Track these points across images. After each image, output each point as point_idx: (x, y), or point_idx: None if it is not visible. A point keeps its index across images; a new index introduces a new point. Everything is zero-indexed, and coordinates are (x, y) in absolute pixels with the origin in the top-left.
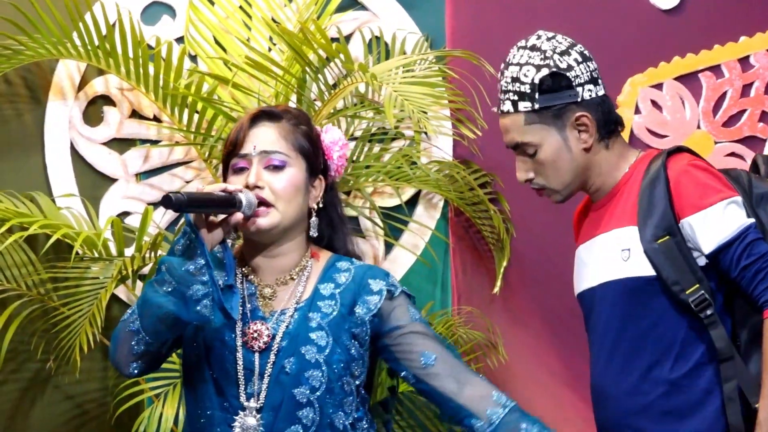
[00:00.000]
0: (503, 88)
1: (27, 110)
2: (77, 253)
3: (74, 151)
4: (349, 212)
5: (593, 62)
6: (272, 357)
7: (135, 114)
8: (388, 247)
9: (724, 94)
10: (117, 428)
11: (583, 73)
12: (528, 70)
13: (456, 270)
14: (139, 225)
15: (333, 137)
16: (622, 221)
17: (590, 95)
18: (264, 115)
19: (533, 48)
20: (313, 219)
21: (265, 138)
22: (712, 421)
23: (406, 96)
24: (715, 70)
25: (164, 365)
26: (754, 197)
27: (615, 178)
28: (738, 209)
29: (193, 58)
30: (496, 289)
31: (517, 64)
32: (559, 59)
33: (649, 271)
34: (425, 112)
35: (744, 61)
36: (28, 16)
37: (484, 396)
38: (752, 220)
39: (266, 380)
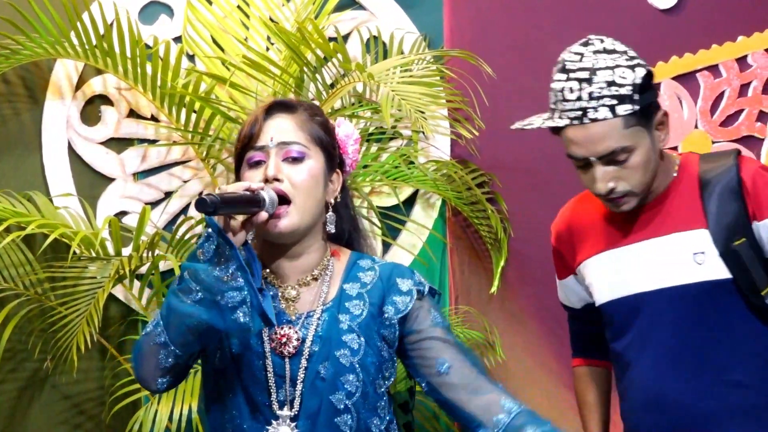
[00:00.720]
0: (594, 95)
1: (25, 110)
2: (74, 252)
3: (72, 151)
4: None
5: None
6: (304, 362)
7: (133, 113)
8: (386, 246)
9: (722, 93)
10: (113, 427)
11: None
12: (624, 72)
13: (453, 270)
14: (136, 224)
15: (347, 131)
16: (688, 224)
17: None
18: (279, 106)
19: (608, 51)
20: (330, 214)
21: (283, 128)
22: None
23: (404, 96)
24: (713, 69)
25: None
26: None
27: (666, 181)
28: None
29: (191, 58)
30: (494, 289)
31: (607, 68)
32: (638, 56)
33: (724, 274)
34: (423, 112)
35: (742, 61)
36: (26, 16)
37: (492, 403)
38: None
39: (299, 386)
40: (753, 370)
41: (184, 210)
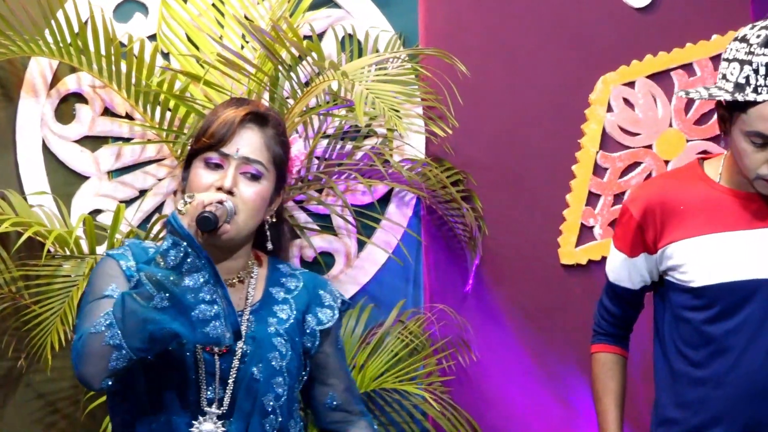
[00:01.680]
0: None
1: None
2: (49, 251)
3: (46, 149)
4: (322, 210)
5: None
6: (236, 362)
7: (107, 112)
8: (361, 245)
9: None
10: (88, 426)
11: None
12: None
13: (428, 268)
14: (111, 223)
15: (296, 150)
16: None
17: None
18: (254, 116)
19: None
20: (268, 232)
21: (250, 143)
22: None
23: (379, 94)
24: (687, 68)
25: None
26: None
27: None
28: None
29: (166, 56)
30: (469, 287)
31: None
32: None
33: None
34: (397, 110)
35: (716, 60)
36: None
37: None
38: None
39: (231, 386)
40: None
41: (159, 208)
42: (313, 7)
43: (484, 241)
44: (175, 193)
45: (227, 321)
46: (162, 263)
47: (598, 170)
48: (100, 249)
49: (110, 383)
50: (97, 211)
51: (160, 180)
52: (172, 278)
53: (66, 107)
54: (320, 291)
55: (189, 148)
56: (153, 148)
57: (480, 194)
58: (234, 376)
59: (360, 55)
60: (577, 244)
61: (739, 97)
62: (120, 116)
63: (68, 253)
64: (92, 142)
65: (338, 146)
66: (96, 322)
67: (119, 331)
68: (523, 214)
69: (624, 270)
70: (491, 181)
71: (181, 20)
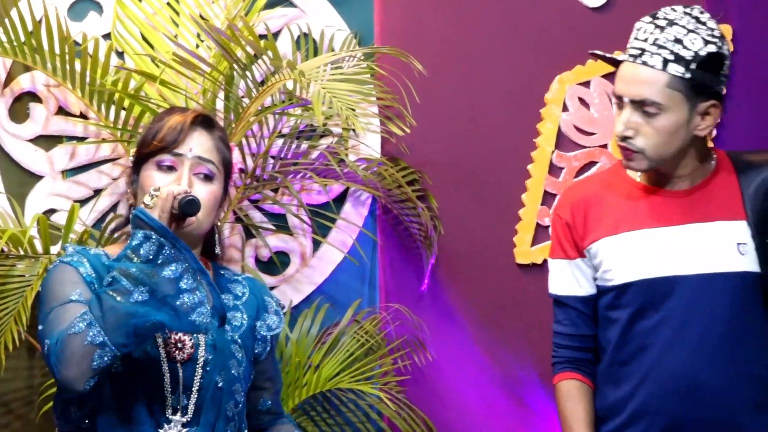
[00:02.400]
0: (658, 41)
1: None
2: (2, 250)
3: (0, 148)
4: (277, 210)
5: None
6: (200, 370)
7: (61, 111)
8: (316, 244)
9: None
10: (42, 426)
11: (727, 67)
12: (695, 39)
13: (384, 267)
14: (65, 222)
15: (236, 158)
16: (728, 214)
17: (723, 90)
18: (203, 120)
19: (699, 20)
20: (217, 236)
21: (201, 144)
22: None
23: (334, 93)
24: None
25: None
26: None
27: (705, 171)
28: None
29: (120, 55)
30: (424, 287)
31: (684, 27)
32: (722, 44)
33: (758, 268)
34: (353, 110)
35: None
36: None
37: None
38: None
39: (195, 394)
40: (732, 373)
41: (114, 208)
42: (268, 6)
43: (439, 240)
44: (128, 197)
45: (213, 307)
46: (135, 258)
47: (554, 170)
48: (54, 249)
49: (94, 383)
50: (52, 211)
51: (114, 179)
52: (148, 271)
53: (20, 106)
54: (265, 297)
55: (135, 153)
56: (107, 147)
57: (435, 194)
58: (198, 384)
59: (315, 54)
60: (533, 244)
61: (615, 56)
62: (74, 115)
63: (22, 252)
64: (46, 141)
65: (294, 145)
66: (72, 324)
67: (100, 329)
68: (478, 214)
69: (568, 275)
70: (447, 181)
71: (136, 19)
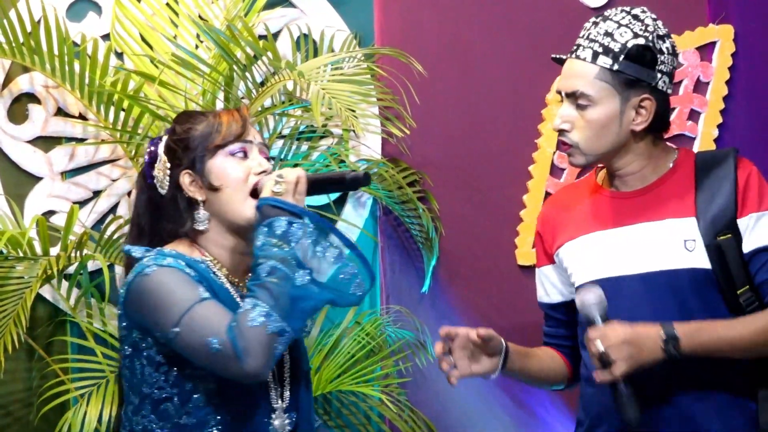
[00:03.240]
0: (590, 36)
1: None
2: (1, 252)
3: None
4: None
5: (677, 61)
6: (287, 355)
7: (60, 112)
8: None
9: None
10: (41, 429)
11: (667, 64)
12: (624, 32)
13: (384, 269)
14: (64, 224)
15: None
16: (679, 212)
17: (663, 87)
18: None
19: (636, 17)
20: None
21: (256, 134)
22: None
23: (334, 94)
24: None
25: (88, 365)
26: None
27: (659, 171)
28: None
29: (119, 56)
30: (425, 288)
31: (616, 22)
32: (656, 39)
33: (708, 264)
34: (353, 110)
35: None
36: None
37: None
38: None
39: (288, 379)
40: (718, 368)
41: (113, 209)
42: (267, 6)
43: (440, 241)
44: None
45: (364, 274)
46: (284, 245)
47: (555, 171)
48: (54, 250)
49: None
50: (51, 212)
51: (114, 181)
52: (301, 254)
53: (18, 107)
54: None
55: (194, 148)
56: (107, 148)
57: (436, 195)
58: (289, 370)
59: (315, 55)
60: (534, 245)
61: (561, 55)
62: (73, 116)
63: (21, 254)
64: (45, 142)
65: (294, 146)
66: (249, 318)
67: (277, 317)
68: (479, 215)
69: (539, 283)
70: (448, 182)
71: (135, 20)
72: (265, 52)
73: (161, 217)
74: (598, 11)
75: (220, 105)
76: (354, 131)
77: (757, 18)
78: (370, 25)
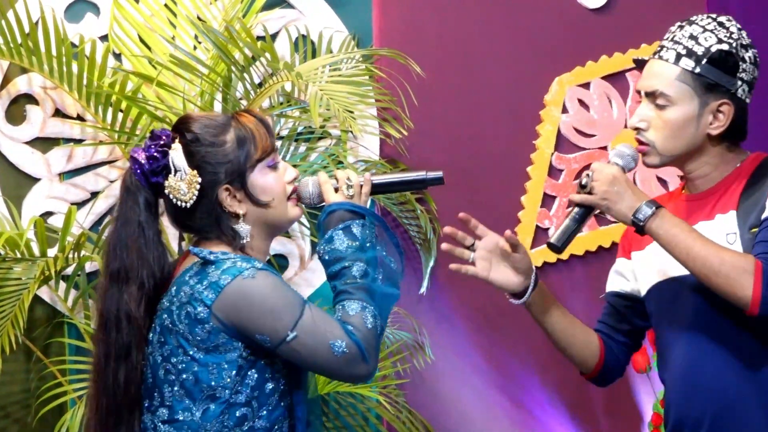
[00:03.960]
0: (675, 38)
1: None
2: None
3: None
4: None
5: (759, 71)
6: None
7: (58, 113)
8: (315, 246)
9: None
10: (39, 430)
11: (748, 72)
12: (709, 37)
13: None
14: (62, 225)
15: None
16: (725, 208)
17: (742, 94)
18: None
19: (721, 24)
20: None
21: None
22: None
23: (333, 95)
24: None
25: (86, 366)
26: None
27: (723, 173)
28: None
29: (118, 57)
30: (423, 289)
31: (702, 27)
32: (740, 47)
33: None
34: (351, 112)
35: None
36: None
37: None
38: None
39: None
40: (727, 368)
41: (111, 210)
42: (266, 7)
43: (438, 243)
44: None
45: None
46: (364, 247)
47: (553, 172)
48: (51, 252)
49: None
50: (49, 214)
51: (112, 182)
52: (378, 255)
53: (16, 108)
54: None
55: (231, 162)
56: (105, 149)
57: (434, 196)
58: None
59: (314, 56)
60: (532, 246)
61: (644, 56)
62: (71, 117)
63: (19, 255)
64: (43, 143)
65: (292, 147)
66: (365, 319)
67: (381, 319)
68: (477, 216)
69: (612, 273)
70: (446, 183)
71: (133, 21)
72: (264, 53)
73: (185, 228)
74: (597, 12)
75: (218, 106)
76: (352, 132)
77: (757, 20)
78: (368, 27)
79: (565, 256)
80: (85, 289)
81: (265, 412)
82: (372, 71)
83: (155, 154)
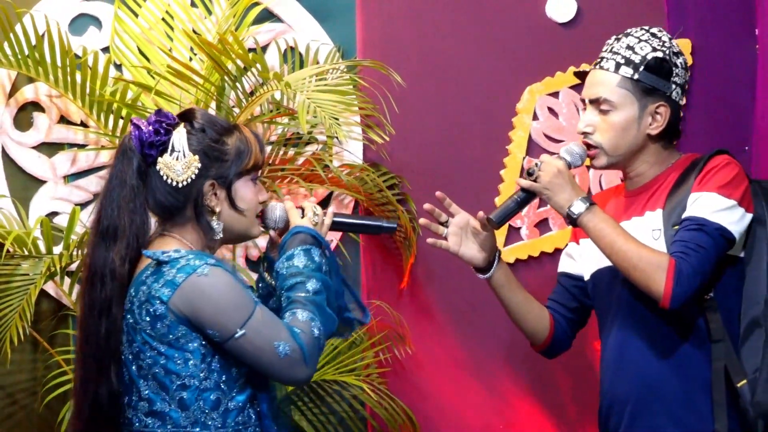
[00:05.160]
0: (613, 49)
1: None
2: (8, 251)
3: (5, 155)
4: None
5: (688, 76)
6: None
7: (63, 119)
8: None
9: None
10: (45, 417)
11: (681, 77)
12: (644, 46)
13: (366, 267)
14: (66, 224)
15: None
16: (655, 206)
17: (676, 97)
18: None
19: (654, 35)
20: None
21: None
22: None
23: (319, 103)
24: None
25: None
26: None
27: (657, 171)
28: (739, 219)
29: (118, 67)
30: (404, 284)
31: (637, 38)
32: (672, 54)
33: (666, 251)
34: (337, 119)
35: None
36: None
37: None
38: (736, 235)
39: None
40: (649, 352)
41: None
42: (257, 21)
43: (417, 241)
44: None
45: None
46: (319, 271)
47: (525, 175)
48: (57, 249)
49: None
50: (54, 214)
51: None
52: (330, 281)
53: (24, 115)
54: None
55: (227, 162)
56: (106, 154)
57: (414, 197)
58: None
59: (301, 67)
60: (505, 244)
61: (586, 68)
62: (75, 124)
63: (26, 253)
64: (49, 148)
65: (281, 152)
66: (311, 327)
67: (321, 327)
68: None
69: (564, 255)
70: (425, 185)
71: (133, 33)
72: (255, 64)
73: (161, 209)
74: (565, 26)
75: (212, 114)
76: (337, 138)
77: (713, 32)
78: (352, 39)
79: (536, 253)
80: None
81: (235, 393)
82: (356, 81)
83: (160, 129)
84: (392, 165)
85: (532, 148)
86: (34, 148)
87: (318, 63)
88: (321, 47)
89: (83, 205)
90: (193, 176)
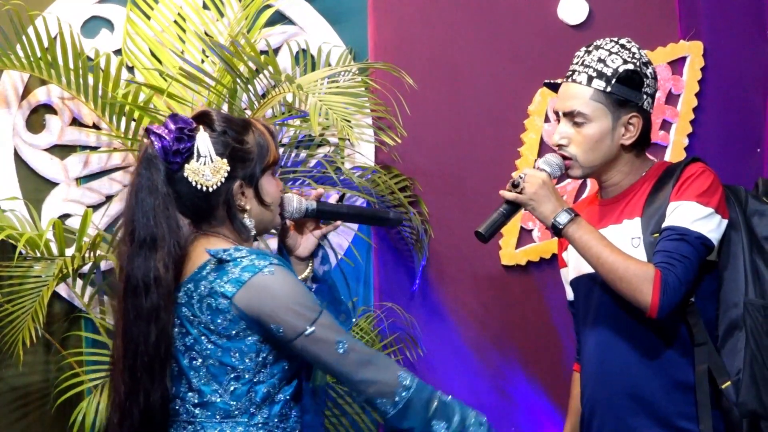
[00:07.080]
0: (585, 62)
1: None
2: (21, 252)
3: (18, 157)
4: None
5: (657, 84)
6: None
7: (75, 122)
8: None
9: None
10: (57, 417)
11: (651, 88)
12: (615, 59)
13: (378, 268)
14: (79, 226)
15: None
16: (632, 214)
17: (647, 107)
18: None
19: (623, 47)
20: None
21: None
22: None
23: (331, 105)
24: None
25: (102, 358)
26: (748, 210)
27: (632, 180)
28: (716, 226)
29: (131, 69)
30: (415, 287)
31: (608, 50)
32: (643, 65)
33: (646, 258)
34: (348, 121)
35: None
36: None
37: None
38: (715, 242)
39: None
40: (631, 356)
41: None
42: (269, 23)
43: (429, 243)
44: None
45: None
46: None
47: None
48: (69, 251)
49: None
50: (66, 216)
51: (125, 186)
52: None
53: (36, 118)
54: None
55: (251, 161)
56: (119, 156)
57: (426, 199)
58: None
59: (313, 69)
60: (517, 246)
61: (557, 80)
62: (87, 126)
63: (39, 255)
64: (61, 150)
65: (293, 154)
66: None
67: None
68: (466, 218)
69: (564, 283)
70: (437, 187)
71: (145, 36)
72: (267, 66)
73: (194, 213)
74: (577, 29)
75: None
76: (349, 140)
77: (725, 35)
78: (364, 41)
79: (547, 255)
80: (100, 286)
81: (283, 387)
82: (367, 83)
83: (182, 135)
84: (404, 167)
85: (544, 150)
86: (46, 150)
87: (330, 65)
88: (333, 49)
89: (95, 207)
90: (223, 180)
